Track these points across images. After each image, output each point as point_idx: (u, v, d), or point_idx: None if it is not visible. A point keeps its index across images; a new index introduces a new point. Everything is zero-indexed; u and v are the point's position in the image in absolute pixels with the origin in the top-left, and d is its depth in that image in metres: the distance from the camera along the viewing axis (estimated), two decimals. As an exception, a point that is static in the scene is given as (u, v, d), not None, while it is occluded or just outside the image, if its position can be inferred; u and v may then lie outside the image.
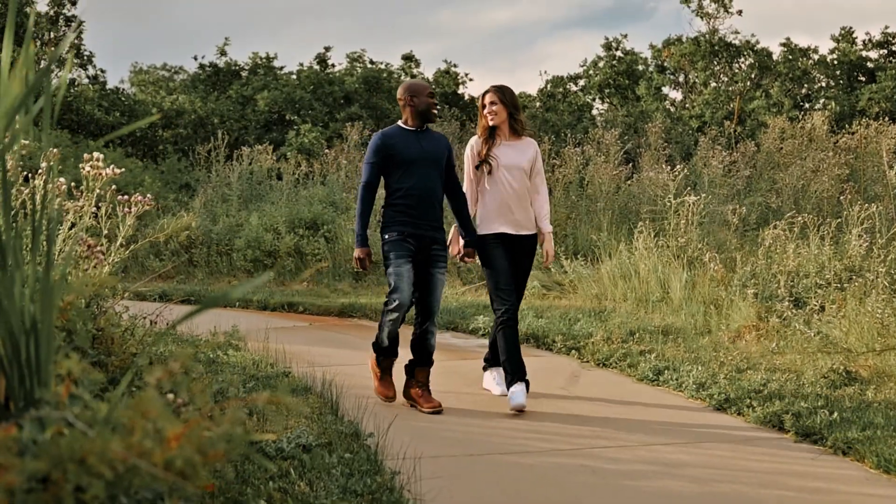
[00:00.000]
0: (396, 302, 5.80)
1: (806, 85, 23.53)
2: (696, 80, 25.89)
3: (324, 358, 7.76)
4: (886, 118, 16.04)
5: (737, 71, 24.43)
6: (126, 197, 4.99)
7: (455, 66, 25.82)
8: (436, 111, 5.98)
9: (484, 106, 6.17)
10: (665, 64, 29.28)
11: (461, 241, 6.24)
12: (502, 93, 6.13)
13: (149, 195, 5.06)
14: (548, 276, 11.22)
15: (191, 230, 14.44)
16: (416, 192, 5.81)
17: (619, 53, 30.07)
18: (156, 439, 1.81)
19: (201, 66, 25.05)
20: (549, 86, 28.62)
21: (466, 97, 25.58)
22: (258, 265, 14.02)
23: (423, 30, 54.52)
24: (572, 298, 10.59)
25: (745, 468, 4.82)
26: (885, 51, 22.99)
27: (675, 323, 8.81)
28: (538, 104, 27.23)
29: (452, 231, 6.33)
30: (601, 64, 29.82)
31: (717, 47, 24.31)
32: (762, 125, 19.06)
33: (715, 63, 25.02)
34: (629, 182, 13.77)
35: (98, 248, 4.26)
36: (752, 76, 24.08)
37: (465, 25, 54.90)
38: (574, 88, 29.53)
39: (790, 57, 23.46)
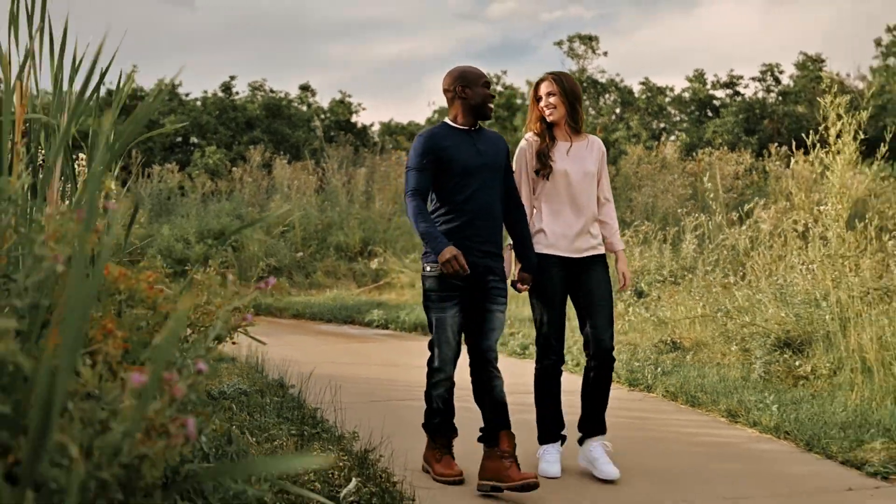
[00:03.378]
0: (440, 360, 4.39)
1: (663, 119, 25.45)
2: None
3: (239, 339, 8.73)
4: (726, 147, 17.85)
5: (602, 105, 26.19)
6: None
7: (349, 95, 26.89)
8: (492, 105, 4.52)
9: (539, 98, 4.73)
10: (540, 98, 31.08)
11: (517, 265, 4.65)
12: (561, 82, 4.67)
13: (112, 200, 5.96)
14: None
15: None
16: (471, 209, 4.33)
17: (499, 88, 31.78)
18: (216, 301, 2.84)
19: (108, 92, 25.46)
20: (436, 115, 30.02)
21: (359, 125, 26.66)
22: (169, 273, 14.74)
23: (319, 61, 55.19)
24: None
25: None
26: (730, 90, 25.06)
27: (541, 313, 10.10)
28: (424, 132, 28.66)
29: (505, 251, 4.67)
30: (482, 97, 31.50)
31: (585, 84, 26.04)
32: (623, 153, 20.71)
33: (584, 98, 26.85)
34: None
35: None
36: (616, 110, 25.89)
37: (358, 58, 55.82)
38: (457, 118, 31.04)
39: (649, 94, 25.34)
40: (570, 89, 4.68)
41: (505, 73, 37.69)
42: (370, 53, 57.01)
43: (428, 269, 4.36)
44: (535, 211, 4.70)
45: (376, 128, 28.28)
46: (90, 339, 2.02)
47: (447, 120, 4.53)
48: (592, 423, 4.63)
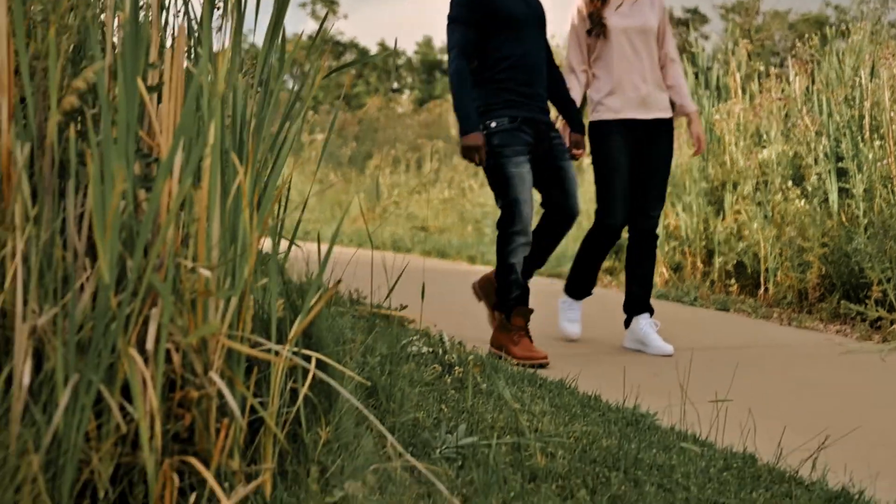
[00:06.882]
0: (521, 220, 3.75)
1: (398, 78, 27.59)
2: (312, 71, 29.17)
3: None
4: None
5: (343, 63, 27.95)
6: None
7: None
8: None
9: None
10: (283, 56, 32.42)
11: (566, 129, 4.14)
12: None
13: None
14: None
15: None
16: (527, 63, 3.83)
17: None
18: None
19: None
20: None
21: None
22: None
23: None
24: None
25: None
26: (456, 55, 27.69)
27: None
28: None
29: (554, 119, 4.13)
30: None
31: (326, 44, 27.62)
32: (363, 105, 22.55)
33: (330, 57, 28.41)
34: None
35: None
36: (356, 69, 27.69)
37: None
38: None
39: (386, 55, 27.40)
40: None
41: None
42: None
43: (495, 125, 3.75)
44: (593, 77, 4.18)
45: None
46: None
47: None
48: (639, 302, 4.18)
